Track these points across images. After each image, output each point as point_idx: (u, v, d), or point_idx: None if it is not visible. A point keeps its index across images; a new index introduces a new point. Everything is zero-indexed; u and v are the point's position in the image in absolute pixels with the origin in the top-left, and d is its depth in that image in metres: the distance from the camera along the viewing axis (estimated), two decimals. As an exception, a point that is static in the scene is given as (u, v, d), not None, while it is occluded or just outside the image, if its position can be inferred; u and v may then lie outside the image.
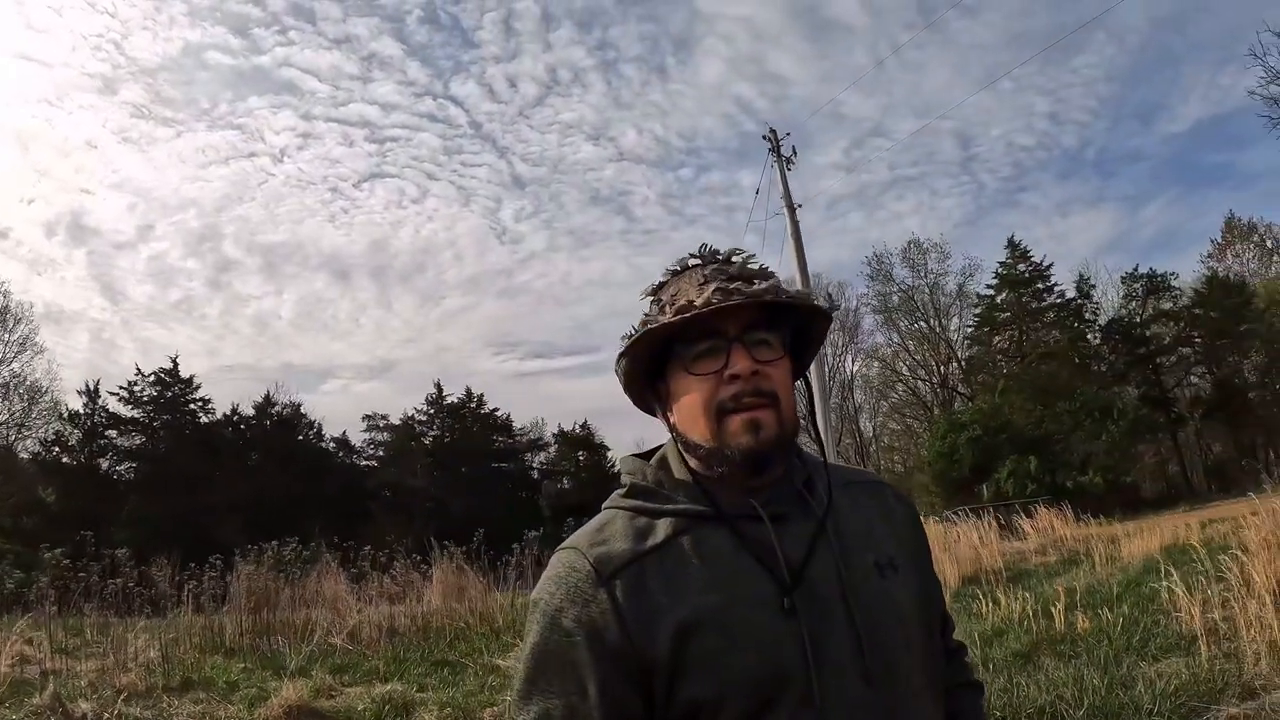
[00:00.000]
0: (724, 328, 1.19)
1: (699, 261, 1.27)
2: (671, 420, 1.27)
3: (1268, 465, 31.40)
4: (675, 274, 1.28)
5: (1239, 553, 6.90)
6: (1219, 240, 46.94)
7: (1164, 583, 7.23)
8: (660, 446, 1.34)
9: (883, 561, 1.23)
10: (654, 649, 1.11)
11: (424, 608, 11.77)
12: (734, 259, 1.25)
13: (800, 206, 23.25)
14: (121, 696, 6.73)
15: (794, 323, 1.27)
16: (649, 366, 1.27)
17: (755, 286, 1.18)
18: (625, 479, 1.30)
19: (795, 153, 23.80)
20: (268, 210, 66.67)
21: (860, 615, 1.15)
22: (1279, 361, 41.61)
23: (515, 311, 73.58)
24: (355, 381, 70.21)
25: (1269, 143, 50.34)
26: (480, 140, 77.27)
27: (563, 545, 1.25)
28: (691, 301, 1.17)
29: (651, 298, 1.28)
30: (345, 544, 13.47)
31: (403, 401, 54.13)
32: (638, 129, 78.94)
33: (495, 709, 6.56)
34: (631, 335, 1.23)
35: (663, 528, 1.20)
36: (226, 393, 74.54)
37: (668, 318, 1.19)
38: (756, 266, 1.24)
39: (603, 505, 1.30)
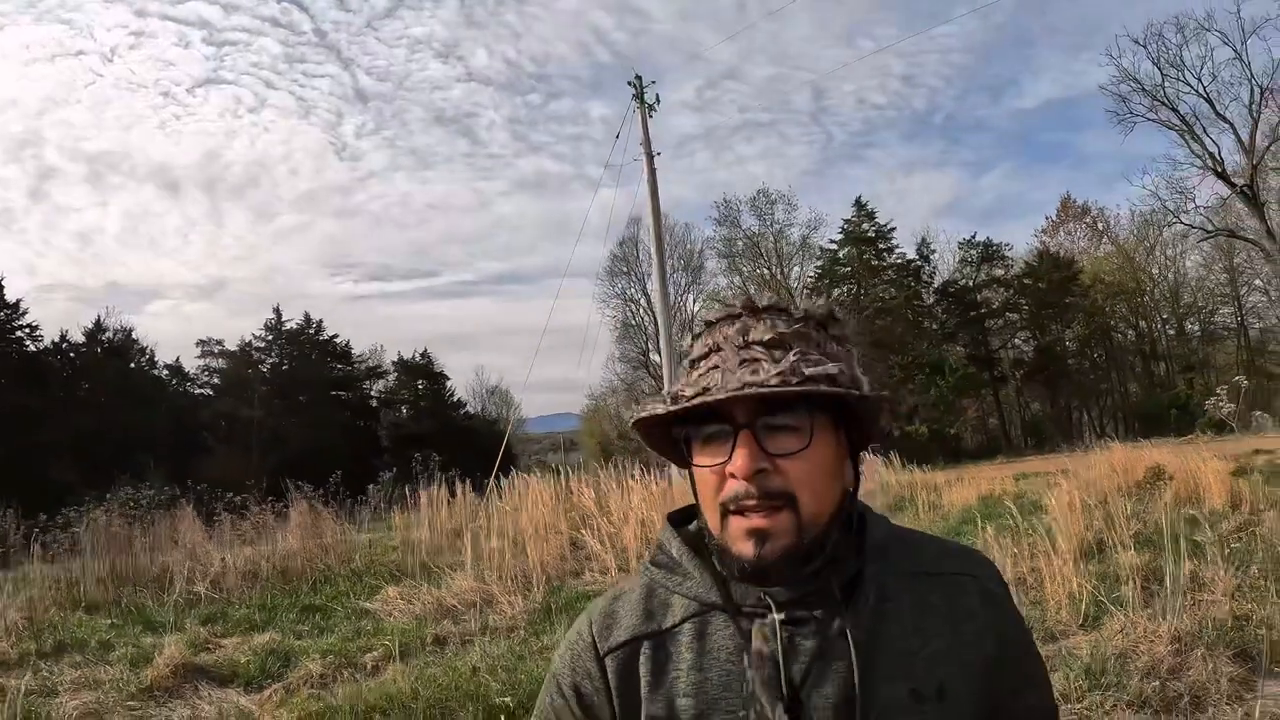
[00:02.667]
0: (731, 412, 1.01)
1: (739, 312, 1.08)
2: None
3: (1079, 426, 34.60)
4: (709, 325, 1.10)
5: (1047, 514, 7.86)
6: (1054, 217, 50.61)
7: (981, 538, 8.09)
8: None
9: (925, 691, 1.02)
10: None
11: (283, 549, 11.72)
12: (763, 320, 1.05)
13: (659, 154, 23.51)
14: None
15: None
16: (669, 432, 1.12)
17: (759, 374, 0.99)
18: (655, 546, 1.19)
19: (659, 100, 23.98)
20: (94, 114, 62.06)
21: None
22: (1097, 334, 45.84)
23: (352, 232, 71.36)
24: (185, 301, 66.99)
25: (1110, 131, 54.29)
26: (324, 50, 74.00)
27: (589, 606, 1.21)
28: (684, 389, 1.05)
29: (692, 339, 1.11)
30: (198, 486, 13.13)
31: (235, 324, 52.19)
32: (489, 50, 77.43)
33: (374, 654, 6.73)
34: (642, 405, 1.09)
35: (673, 610, 1.11)
36: (49, 315, 69.39)
37: (677, 394, 1.05)
38: (788, 326, 1.05)
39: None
